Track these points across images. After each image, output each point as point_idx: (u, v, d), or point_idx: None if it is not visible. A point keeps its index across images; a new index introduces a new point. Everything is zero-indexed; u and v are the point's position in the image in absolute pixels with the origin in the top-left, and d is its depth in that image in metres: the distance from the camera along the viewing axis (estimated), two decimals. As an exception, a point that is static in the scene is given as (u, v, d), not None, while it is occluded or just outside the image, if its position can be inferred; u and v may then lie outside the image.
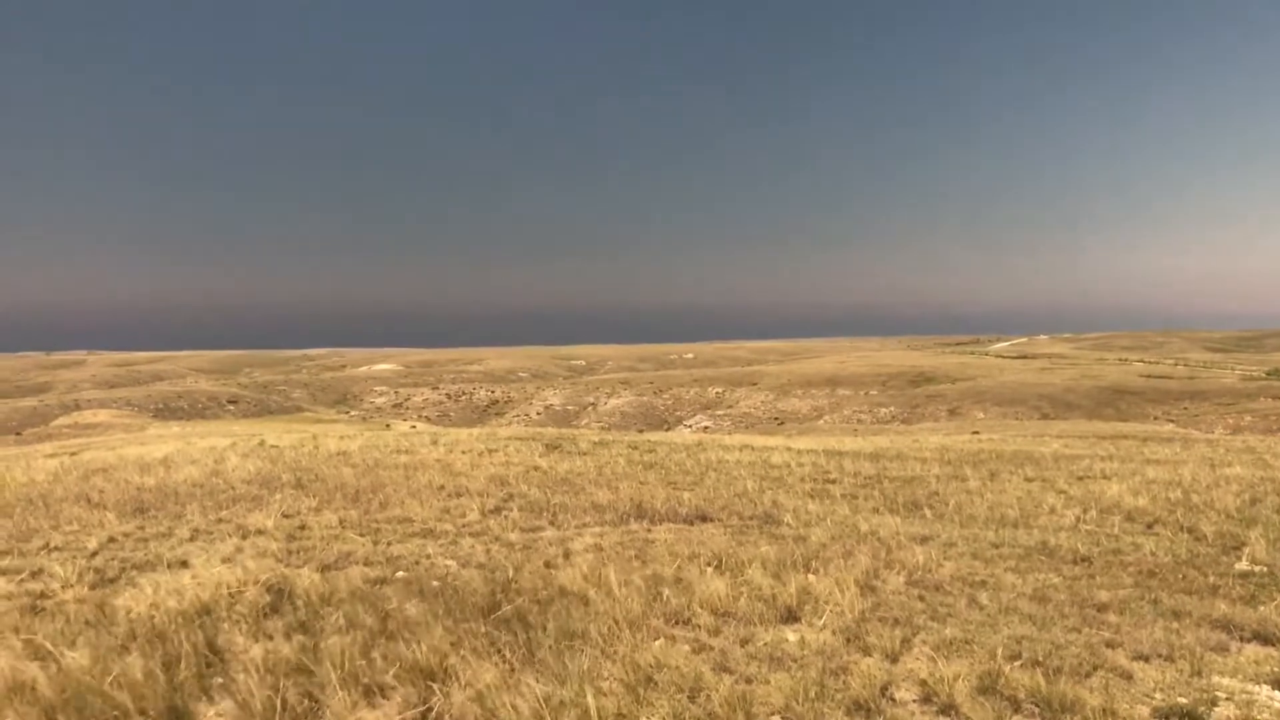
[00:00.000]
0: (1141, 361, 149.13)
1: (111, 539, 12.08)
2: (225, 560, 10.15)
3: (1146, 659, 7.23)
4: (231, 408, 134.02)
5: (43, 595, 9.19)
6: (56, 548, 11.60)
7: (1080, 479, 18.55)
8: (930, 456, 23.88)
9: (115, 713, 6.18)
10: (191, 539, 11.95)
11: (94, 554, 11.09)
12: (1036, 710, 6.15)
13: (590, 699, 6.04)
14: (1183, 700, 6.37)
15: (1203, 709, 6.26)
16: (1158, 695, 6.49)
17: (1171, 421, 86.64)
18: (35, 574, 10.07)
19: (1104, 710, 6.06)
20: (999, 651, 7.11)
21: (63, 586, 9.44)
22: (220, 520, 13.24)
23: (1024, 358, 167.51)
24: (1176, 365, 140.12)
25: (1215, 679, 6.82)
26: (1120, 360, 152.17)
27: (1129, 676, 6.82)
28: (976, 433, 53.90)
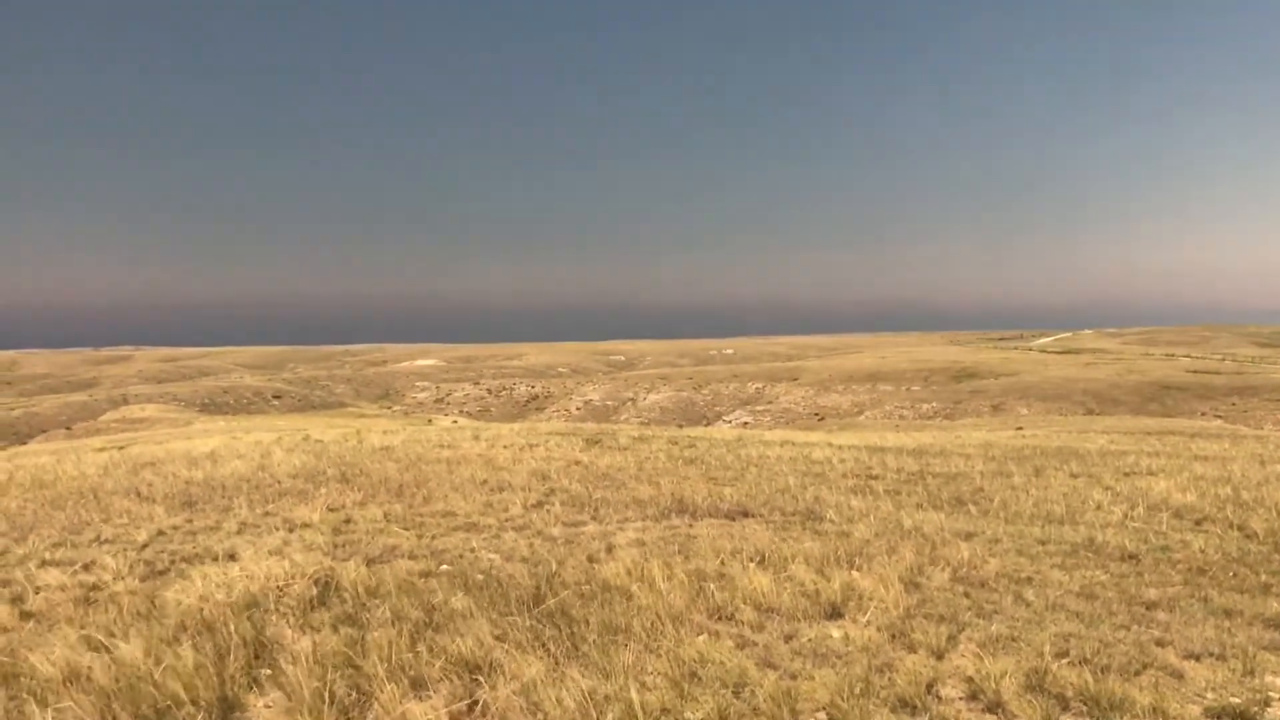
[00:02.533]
0: (1188, 356, 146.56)
1: (160, 532, 12.31)
2: (273, 553, 10.29)
3: (1197, 658, 7.12)
4: (276, 403, 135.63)
5: (95, 587, 9.40)
6: (107, 540, 11.85)
7: (1127, 475, 18.29)
8: (974, 452, 23.66)
9: (168, 702, 6.29)
10: (239, 532, 12.14)
11: (144, 546, 11.32)
12: (1085, 708, 6.08)
13: (634, 693, 6.05)
14: (1235, 700, 6.26)
15: (1255, 709, 6.14)
16: (1209, 695, 6.39)
17: (1219, 417, 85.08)
18: (87, 566, 10.30)
19: (1154, 709, 5.98)
20: (1046, 649, 7.04)
21: (114, 578, 9.65)
22: (267, 514, 13.43)
23: (1068, 353, 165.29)
24: (1224, 360, 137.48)
25: (1269, 679, 6.70)
26: (1166, 355, 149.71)
27: (1179, 675, 6.72)
28: (1020, 428, 53.28)
